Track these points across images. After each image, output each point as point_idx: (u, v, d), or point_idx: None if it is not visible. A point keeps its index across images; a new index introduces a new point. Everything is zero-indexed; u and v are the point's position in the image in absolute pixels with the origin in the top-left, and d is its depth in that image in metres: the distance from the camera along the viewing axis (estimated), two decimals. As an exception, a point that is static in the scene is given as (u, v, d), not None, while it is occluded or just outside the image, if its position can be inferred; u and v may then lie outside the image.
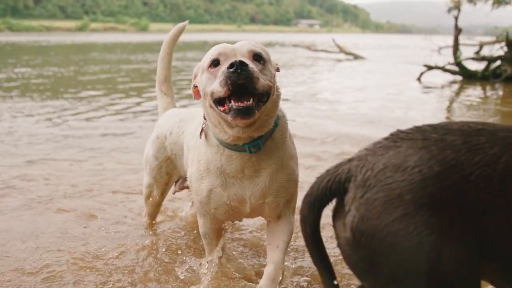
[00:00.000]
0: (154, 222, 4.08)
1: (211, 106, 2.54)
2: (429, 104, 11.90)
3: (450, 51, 17.45)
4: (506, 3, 20.70)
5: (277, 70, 2.74)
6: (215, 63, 2.52)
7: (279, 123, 2.75)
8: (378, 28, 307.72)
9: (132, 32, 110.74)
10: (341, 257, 2.03)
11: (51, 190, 4.94)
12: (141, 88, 13.72)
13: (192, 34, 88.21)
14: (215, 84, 2.45)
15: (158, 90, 3.96)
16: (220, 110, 2.47)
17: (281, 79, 15.72)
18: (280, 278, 2.86)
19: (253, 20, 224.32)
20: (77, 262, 3.46)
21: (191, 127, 3.20)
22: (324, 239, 1.94)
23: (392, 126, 7.38)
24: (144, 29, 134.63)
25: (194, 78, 2.74)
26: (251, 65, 2.41)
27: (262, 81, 2.42)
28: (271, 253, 2.89)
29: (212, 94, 2.47)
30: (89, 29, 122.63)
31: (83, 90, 13.24)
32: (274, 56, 2.73)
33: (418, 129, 1.85)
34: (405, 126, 1.94)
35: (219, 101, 2.47)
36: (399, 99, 12.12)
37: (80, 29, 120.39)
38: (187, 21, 3.97)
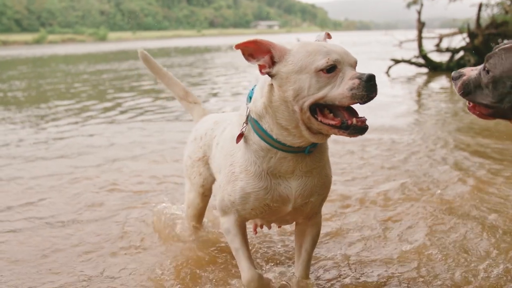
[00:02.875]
0: (200, 226, 3.96)
1: (302, 111, 2.44)
2: (400, 96, 12.32)
3: (411, 45, 17.90)
4: (464, -4, 21.08)
5: None
6: (333, 68, 2.40)
7: None
8: (336, 26, 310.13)
9: (91, 42, 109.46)
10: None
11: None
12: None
13: (152, 42, 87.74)
14: (338, 91, 2.37)
15: (186, 103, 3.92)
16: (325, 122, 2.42)
17: (247, 81, 15.74)
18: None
19: (212, 24, 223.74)
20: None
21: (221, 127, 3.18)
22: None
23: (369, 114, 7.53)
24: (103, 38, 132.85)
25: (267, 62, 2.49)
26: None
27: None
28: (299, 254, 3.10)
29: (323, 98, 2.39)
30: (46, 42, 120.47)
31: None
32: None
33: None
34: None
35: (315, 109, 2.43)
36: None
37: (38, 41, 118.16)
38: (141, 51, 3.85)
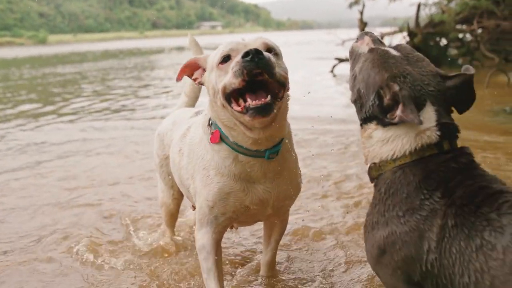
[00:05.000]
0: (173, 231, 3.95)
1: (223, 106, 2.43)
2: (345, 93, 12.60)
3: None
4: (404, -4, 21.76)
5: None
6: (226, 59, 2.41)
7: (287, 129, 2.75)
8: (280, 25, 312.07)
9: (30, 45, 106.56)
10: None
11: None
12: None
13: (94, 44, 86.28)
14: (228, 77, 2.33)
15: (183, 91, 3.82)
16: (235, 110, 2.36)
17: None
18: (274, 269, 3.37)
19: (155, 25, 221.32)
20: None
21: (179, 130, 3.13)
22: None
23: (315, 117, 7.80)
24: (42, 41, 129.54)
25: (192, 70, 2.67)
26: (267, 53, 2.31)
27: (279, 70, 2.33)
28: (268, 243, 3.25)
29: (224, 88, 2.35)
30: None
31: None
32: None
33: None
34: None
35: (230, 99, 2.37)
36: (318, 91, 12.77)
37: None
38: (190, 35, 3.57)
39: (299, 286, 3.29)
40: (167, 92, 14.81)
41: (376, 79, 2.10)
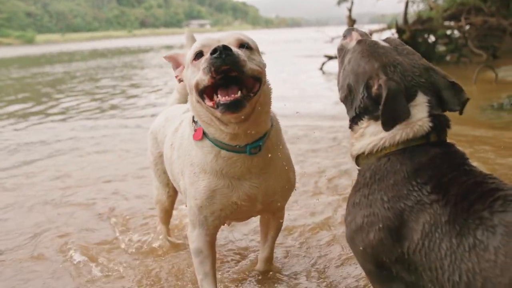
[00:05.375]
0: (168, 228, 3.96)
1: (198, 101, 2.42)
2: (335, 90, 12.71)
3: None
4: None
5: None
6: (198, 55, 2.40)
7: (273, 124, 2.68)
8: (268, 23, 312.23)
9: (18, 45, 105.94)
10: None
11: None
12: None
13: (82, 43, 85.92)
14: (199, 74, 2.31)
15: (175, 88, 3.80)
16: (208, 105, 2.34)
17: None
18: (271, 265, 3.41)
19: (143, 24, 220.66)
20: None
21: (172, 126, 3.13)
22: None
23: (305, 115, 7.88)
24: (30, 41, 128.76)
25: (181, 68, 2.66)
26: (236, 49, 2.28)
27: (250, 65, 2.30)
28: (264, 240, 3.29)
29: (196, 85, 2.33)
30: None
31: None
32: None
33: None
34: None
35: (203, 95, 2.35)
36: (307, 88, 12.84)
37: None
38: (188, 31, 3.47)
39: (294, 281, 3.33)
40: (156, 91, 14.83)
41: (365, 68, 2.08)
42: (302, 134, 7.34)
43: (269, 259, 3.39)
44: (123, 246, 4.00)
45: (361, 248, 2.03)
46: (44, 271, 3.67)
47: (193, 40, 3.34)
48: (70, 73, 23.03)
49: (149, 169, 3.81)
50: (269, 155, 2.64)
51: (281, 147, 2.74)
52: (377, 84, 2.01)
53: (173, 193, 3.61)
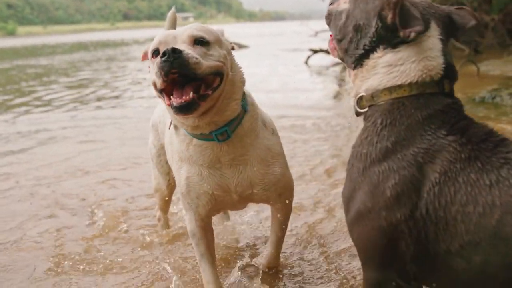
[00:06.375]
0: (167, 216, 4.00)
1: (159, 97, 2.41)
2: (320, 83, 13.16)
3: (326, 35, 18.43)
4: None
5: (232, 48, 2.58)
6: (156, 52, 2.37)
7: (248, 109, 2.59)
8: (252, 16, 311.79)
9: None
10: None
11: None
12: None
13: (65, 36, 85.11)
14: (154, 75, 2.27)
15: None
16: (165, 103, 2.33)
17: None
18: (276, 262, 3.26)
19: (126, 17, 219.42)
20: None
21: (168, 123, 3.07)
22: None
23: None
24: (11, 33, 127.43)
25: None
26: (188, 50, 2.24)
27: (206, 63, 2.26)
28: (268, 242, 3.22)
29: (154, 84, 2.31)
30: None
31: None
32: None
33: None
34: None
35: (162, 93, 2.31)
36: (293, 82, 13.06)
37: None
38: (174, 10, 3.30)
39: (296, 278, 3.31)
40: (140, 82, 14.90)
41: (375, 3, 2.02)
42: (289, 124, 7.48)
43: (271, 258, 3.23)
44: (129, 236, 4.03)
45: (374, 220, 1.88)
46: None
47: (173, 22, 3.26)
48: (54, 65, 22.86)
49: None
50: (243, 144, 2.57)
51: (258, 135, 2.65)
52: (392, 13, 1.95)
53: (173, 181, 3.53)
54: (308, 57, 17.36)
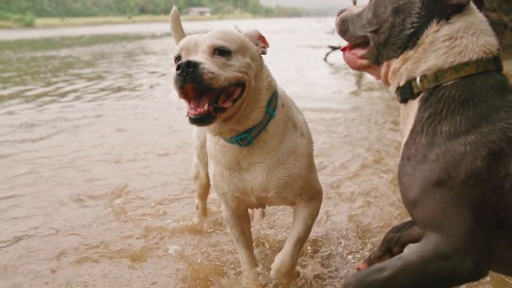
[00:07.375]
0: (205, 204, 4.06)
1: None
2: (338, 79, 13.31)
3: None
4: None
5: (263, 53, 2.53)
6: (178, 59, 2.35)
7: (274, 114, 2.53)
8: (268, 12, 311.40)
9: (17, 29, 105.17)
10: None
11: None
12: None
13: (82, 28, 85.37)
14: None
15: None
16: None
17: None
18: (287, 269, 2.79)
19: (143, 10, 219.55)
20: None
21: None
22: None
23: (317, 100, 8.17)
24: (29, 25, 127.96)
25: None
26: (205, 63, 2.19)
27: (224, 76, 2.21)
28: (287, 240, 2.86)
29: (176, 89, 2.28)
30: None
31: None
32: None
33: None
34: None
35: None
36: (312, 78, 13.25)
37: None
38: (175, 8, 3.25)
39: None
40: (162, 75, 15.13)
41: None
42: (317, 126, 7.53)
43: (283, 265, 2.80)
44: (161, 226, 4.04)
45: (461, 181, 1.80)
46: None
47: (177, 21, 3.24)
48: (76, 57, 23.03)
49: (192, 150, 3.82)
50: (264, 150, 2.52)
51: (285, 138, 2.57)
52: None
53: None
54: (327, 54, 17.45)
